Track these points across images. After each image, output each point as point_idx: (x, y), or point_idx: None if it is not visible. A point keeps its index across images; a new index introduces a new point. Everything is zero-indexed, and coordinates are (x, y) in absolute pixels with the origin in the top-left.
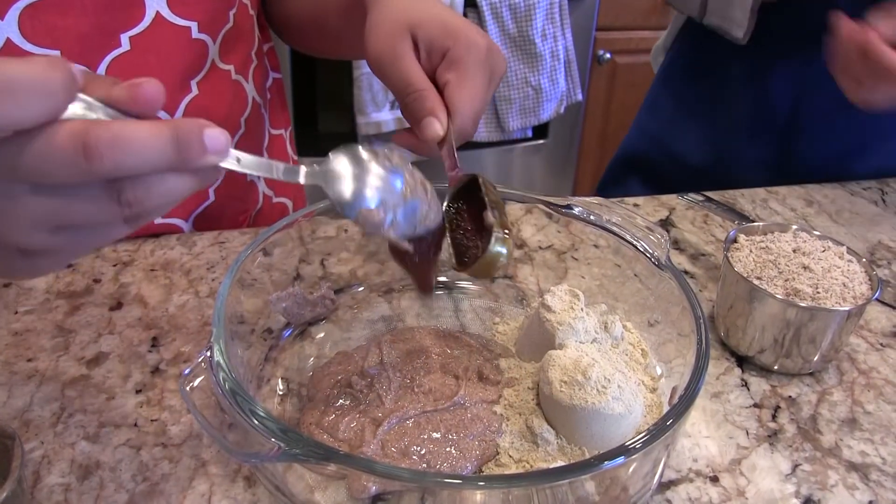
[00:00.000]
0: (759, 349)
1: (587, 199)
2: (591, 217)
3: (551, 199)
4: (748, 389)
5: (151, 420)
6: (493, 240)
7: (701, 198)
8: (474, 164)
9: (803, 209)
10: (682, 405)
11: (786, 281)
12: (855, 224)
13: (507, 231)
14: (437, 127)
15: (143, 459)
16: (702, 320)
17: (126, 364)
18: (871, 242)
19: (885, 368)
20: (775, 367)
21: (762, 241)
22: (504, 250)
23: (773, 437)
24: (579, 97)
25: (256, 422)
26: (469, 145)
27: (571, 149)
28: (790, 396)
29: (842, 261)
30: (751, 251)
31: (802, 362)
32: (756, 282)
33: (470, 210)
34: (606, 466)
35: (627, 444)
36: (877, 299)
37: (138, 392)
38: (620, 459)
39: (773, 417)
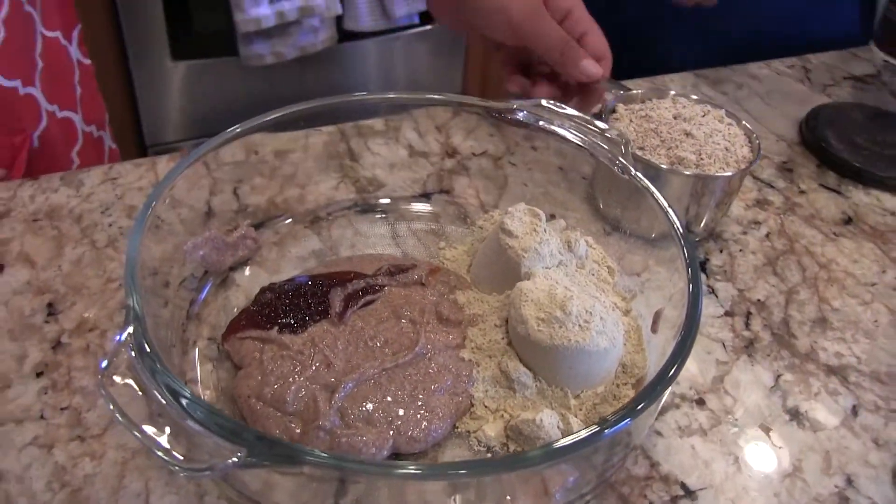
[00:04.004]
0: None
1: (526, 101)
2: (541, 123)
3: (492, 105)
4: (716, 297)
5: (61, 409)
6: None
7: None
8: (356, 55)
9: (735, 92)
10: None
11: (669, 149)
12: (786, 105)
13: None
14: (596, 69)
15: (57, 460)
16: (683, 241)
17: (19, 341)
18: None
19: (842, 259)
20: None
21: (641, 110)
22: None
23: (750, 347)
24: None
25: (204, 427)
26: (351, 36)
27: (459, 33)
28: (759, 300)
29: (722, 125)
30: (631, 120)
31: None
32: (639, 153)
33: None
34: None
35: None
36: (821, 186)
37: (39, 375)
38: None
39: (747, 325)
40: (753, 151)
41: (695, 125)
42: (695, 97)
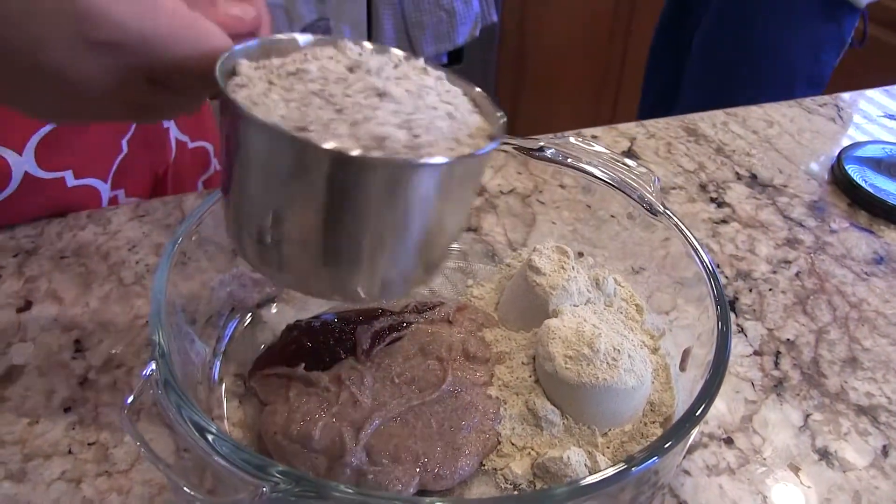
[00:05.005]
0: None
1: (554, 139)
2: (569, 160)
3: (520, 143)
4: (746, 336)
5: (88, 444)
6: None
7: None
8: None
9: (765, 130)
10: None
11: (354, 125)
12: (818, 143)
13: None
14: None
15: (85, 495)
16: (713, 281)
17: (47, 377)
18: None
19: (874, 299)
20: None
21: (284, 65)
22: None
23: (779, 387)
24: (494, 18)
25: (230, 463)
26: None
27: (488, 72)
28: (788, 339)
29: (430, 77)
30: (272, 84)
31: None
32: (304, 135)
33: None
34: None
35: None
36: (852, 225)
37: (67, 411)
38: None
39: (776, 364)
40: (490, 120)
41: (387, 79)
42: (370, 45)
